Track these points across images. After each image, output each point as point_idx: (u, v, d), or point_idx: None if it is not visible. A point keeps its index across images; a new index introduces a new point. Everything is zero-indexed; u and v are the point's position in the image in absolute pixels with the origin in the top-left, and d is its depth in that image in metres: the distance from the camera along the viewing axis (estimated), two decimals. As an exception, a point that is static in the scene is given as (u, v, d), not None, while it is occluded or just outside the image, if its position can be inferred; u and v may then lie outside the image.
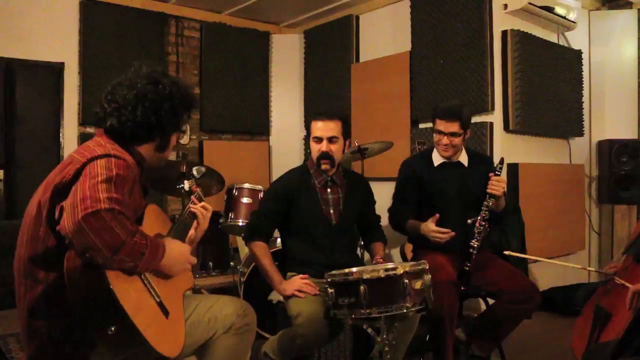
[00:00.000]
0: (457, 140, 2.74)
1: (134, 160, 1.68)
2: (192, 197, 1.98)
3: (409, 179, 2.86)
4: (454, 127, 2.71)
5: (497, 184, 2.62)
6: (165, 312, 1.62)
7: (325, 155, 2.50)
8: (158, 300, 1.60)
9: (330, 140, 2.50)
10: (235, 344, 1.85)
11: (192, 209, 1.93)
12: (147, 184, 1.96)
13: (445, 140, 2.73)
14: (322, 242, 2.54)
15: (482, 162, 2.89)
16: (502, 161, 2.67)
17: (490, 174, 2.63)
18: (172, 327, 1.64)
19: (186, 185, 2.03)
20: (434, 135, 2.79)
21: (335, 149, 2.52)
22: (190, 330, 1.77)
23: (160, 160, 1.89)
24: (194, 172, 2.08)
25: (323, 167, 2.52)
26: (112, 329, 1.43)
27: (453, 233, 2.61)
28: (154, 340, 1.49)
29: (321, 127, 2.51)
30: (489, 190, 2.62)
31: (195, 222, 1.95)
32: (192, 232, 1.96)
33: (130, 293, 1.50)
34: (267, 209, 2.59)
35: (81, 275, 1.46)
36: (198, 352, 1.87)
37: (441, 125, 2.73)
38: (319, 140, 2.51)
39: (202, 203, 1.97)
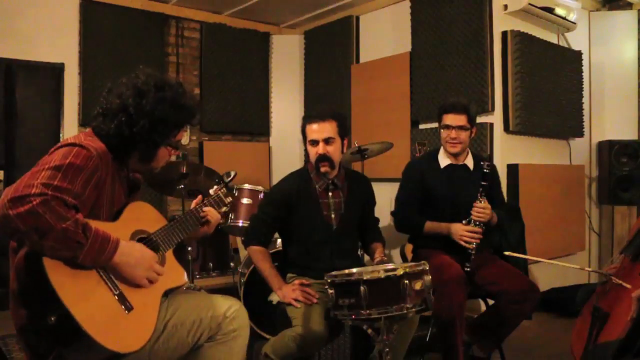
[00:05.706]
0: (464, 135, 2.71)
1: (108, 154, 1.63)
2: (208, 199, 1.93)
3: (415, 181, 2.81)
4: (462, 120, 2.70)
5: (482, 211, 2.62)
6: (127, 306, 1.56)
7: (323, 158, 2.44)
8: (116, 292, 1.54)
9: (327, 141, 2.44)
10: (224, 353, 1.74)
11: (203, 214, 1.91)
12: (139, 179, 1.91)
13: (453, 133, 2.70)
14: (321, 247, 2.52)
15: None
16: (484, 187, 2.63)
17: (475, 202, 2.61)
18: (133, 322, 1.55)
19: (212, 190, 1.98)
20: (442, 131, 2.76)
21: (333, 150, 2.45)
22: (172, 332, 1.69)
23: (148, 170, 1.82)
24: (224, 177, 2.03)
25: (322, 169, 2.47)
26: (52, 318, 1.41)
27: (481, 236, 2.61)
28: (100, 333, 1.43)
29: (316, 130, 2.45)
30: (473, 218, 2.62)
31: (205, 226, 1.94)
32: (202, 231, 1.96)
33: (75, 283, 1.45)
34: (265, 214, 2.55)
35: (24, 262, 1.45)
36: None
37: (449, 118, 2.71)
38: (315, 143, 2.46)
39: (223, 208, 1.95)
